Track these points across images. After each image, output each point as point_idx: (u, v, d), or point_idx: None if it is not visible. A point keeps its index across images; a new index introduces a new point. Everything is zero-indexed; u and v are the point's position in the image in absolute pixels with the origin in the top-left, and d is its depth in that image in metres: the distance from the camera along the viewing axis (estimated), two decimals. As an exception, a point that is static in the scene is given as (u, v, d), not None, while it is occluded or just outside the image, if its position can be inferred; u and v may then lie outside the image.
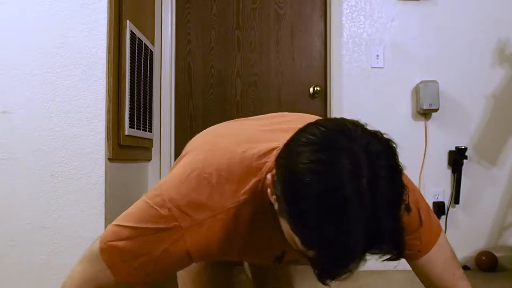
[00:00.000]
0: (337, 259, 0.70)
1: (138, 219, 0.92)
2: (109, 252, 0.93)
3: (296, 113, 1.20)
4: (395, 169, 0.73)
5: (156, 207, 0.90)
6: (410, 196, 0.96)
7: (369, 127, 0.77)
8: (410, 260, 1.08)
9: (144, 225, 0.90)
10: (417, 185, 2.87)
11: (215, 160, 0.92)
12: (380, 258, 0.75)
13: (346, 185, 0.68)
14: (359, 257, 0.71)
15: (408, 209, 0.96)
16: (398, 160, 0.75)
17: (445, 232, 2.88)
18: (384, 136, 0.76)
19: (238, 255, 0.99)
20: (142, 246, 0.91)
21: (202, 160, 0.93)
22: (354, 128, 0.74)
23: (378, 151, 0.72)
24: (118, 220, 0.96)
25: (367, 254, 0.71)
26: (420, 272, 1.09)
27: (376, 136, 0.75)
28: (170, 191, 0.91)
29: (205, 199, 0.88)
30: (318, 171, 0.69)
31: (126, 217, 0.95)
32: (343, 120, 0.77)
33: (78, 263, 0.99)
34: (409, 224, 0.99)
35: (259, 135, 0.99)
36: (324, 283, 0.74)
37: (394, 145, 0.76)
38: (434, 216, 1.09)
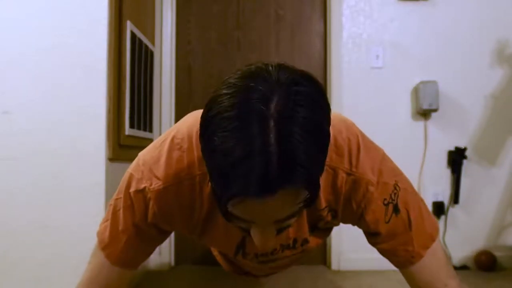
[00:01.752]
0: (250, 185, 0.63)
1: (119, 189, 0.96)
2: (101, 233, 0.98)
3: None
4: (314, 99, 0.69)
5: (132, 171, 0.94)
6: (400, 196, 0.95)
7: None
8: (402, 268, 1.00)
9: (121, 195, 0.94)
10: (416, 185, 2.89)
11: (188, 127, 0.93)
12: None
13: (253, 105, 0.65)
14: (272, 186, 0.63)
15: (396, 209, 0.96)
16: (319, 92, 0.71)
17: (444, 232, 2.89)
18: (311, 74, 0.73)
19: (200, 236, 0.99)
20: (124, 216, 0.94)
21: (177, 126, 0.96)
22: (273, 62, 0.75)
23: (294, 79, 0.70)
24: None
25: (280, 187, 0.64)
26: (409, 279, 1.00)
27: (298, 69, 0.73)
28: (145, 155, 0.94)
29: (175, 163, 0.90)
30: (229, 93, 0.69)
31: (115, 193, 0.99)
32: (258, 65, 0.76)
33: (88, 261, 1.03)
34: (396, 225, 0.95)
35: None
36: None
37: (317, 81, 0.73)
38: (431, 219, 1.00)
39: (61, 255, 1.91)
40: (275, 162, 0.63)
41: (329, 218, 0.99)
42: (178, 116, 2.99)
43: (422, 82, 2.87)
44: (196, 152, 0.89)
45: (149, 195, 0.90)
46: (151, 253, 1.02)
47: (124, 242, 0.95)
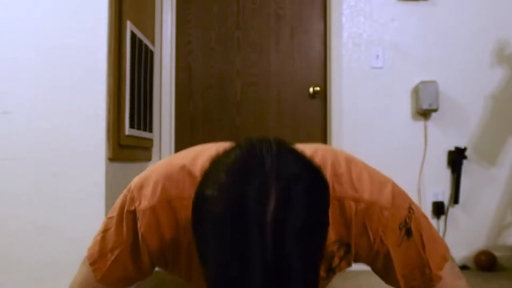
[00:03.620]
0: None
1: (113, 208, 0.96)
2: (91, 248, 0.98)
3: None
4: (314, 197, 0.64)
5: (126, 192, 0.94)
6: (413, 219, 0.92)
7: (298, 147, 0.70)
8: None
9: (115, 214, 0.94)
10: (416, 185, 2.89)
11: (182, 158, 0.94)
12: None
13: (249, 211, 0.61)
14: None
15: (408, 233, 0.91)
16: (321, 187, 0.67)
17: (444, 232, 2.89)
18: (311, 161, 0.68)
19: (185, 272, 0.97)
20: (114, 235, 0.94)
21: (170, 158, 0.98)
22: (270, 148, 0.66)
23: (293, 175, 0.64)
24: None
25: None
26: None
27: (298, 158, 0.67)
28: (136, 178, 0.95)
29: (166, 184, 0.89)
30: (221, 196, 0.64)
31: (110, 211, 0.99)
32: (262, 139, 0.69)
33: (75, 277, 1.02)
34: (408, 248, 0.92)
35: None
36: None
37: (319, 172, 0.67)
38: (441, 240, 0.97)
39: (61, 255, 1.91)
40: (272, 279, 0.61)
41: (341, 253, 0.94)
42: (178, 116, 3.00)
43: (422, 82, 2.87)
44: (190, 187, 0.87)
45: (137, 215, 0.89)
46: (137, 279, 0.99)
47: (112, 262, 0.94)
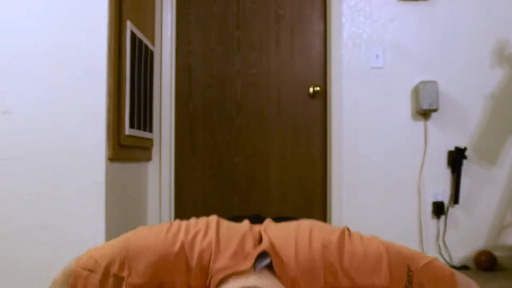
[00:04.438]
0: None
1: (101, 256, 0.96)
2: (76, 277, 0.98)
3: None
4: None
5: (119, 249, 0.95)
6: (414, 278, 0.90)
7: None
8: None
9: (100, 269, 0.95)
10: (416, 185, 2.89)
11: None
12: None
13: None
14: None
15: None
16: None
17: (444, 232, 2.89)
18: None
19: None
20: (99, 281, 0.95)
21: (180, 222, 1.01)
22: None
23: None
24: (95, 247, 1.01)
25: None
26: None
27: None
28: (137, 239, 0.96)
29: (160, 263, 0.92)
30: None
31: (101, 248, 0.99)
32: None
33: (57, 276, 1.02)
34: None
35: None
36: None
37: None
38: (444, 272, 0.96)
39: (61, 255, 1.91)
40: None
41: None
42: (178, 116, 3.00)
43: (422, 82, 2.87)
44: (187, 262, 0.90)
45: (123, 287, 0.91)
46: None
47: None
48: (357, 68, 2.94)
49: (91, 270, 0.96)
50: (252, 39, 3.05)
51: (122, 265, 0.92)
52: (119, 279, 0.92)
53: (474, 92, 2.94)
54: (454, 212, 2.92)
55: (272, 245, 0.90)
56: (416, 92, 2.91)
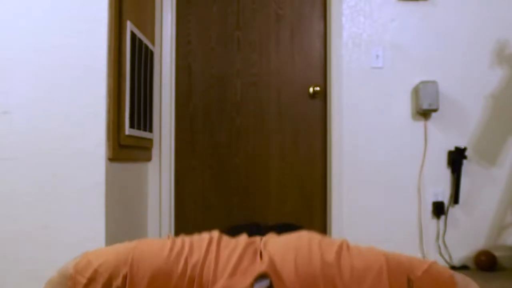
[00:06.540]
0: None
1: (100, 264, 0.97)
2: (75, 284, 0.98)
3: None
4: None
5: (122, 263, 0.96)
6: (414, 287, 0.91)
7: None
8: None
9: (101, 271, 0.95)
10: (416, 185, 2.89)
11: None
12: None
13: None
14: None
15: None
16: None
17: (444, 232, 2.89)
18: None
19: None
20: None
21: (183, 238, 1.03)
22: None
23: None
24: (93, 252, 1.01)
25: None
26: None
27: None
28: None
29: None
30: None
31: (100, 255, 0.99)
32: None
33: (53, 276, 1.02)
34: None
35: None
36: None
37: None
38: (442, 274, 0.98)
39: (61, 255, 1.91)
40: None
41: None
42: (178, 116, 3.00)
43: (422, 82, 2.87)
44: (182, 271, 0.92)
45: None
46: None
47: None
48: (357, 68, 2.94)
49: (90, 279, 0.96)
50: (252, 39, 3.05)
51: (124, 279, 0.93)
52: None
53: (474, 92, 2.94)
54: (454, 212, 2.92)
55: (272, 264, 0.92)
56: (416, 92, 2.91)
